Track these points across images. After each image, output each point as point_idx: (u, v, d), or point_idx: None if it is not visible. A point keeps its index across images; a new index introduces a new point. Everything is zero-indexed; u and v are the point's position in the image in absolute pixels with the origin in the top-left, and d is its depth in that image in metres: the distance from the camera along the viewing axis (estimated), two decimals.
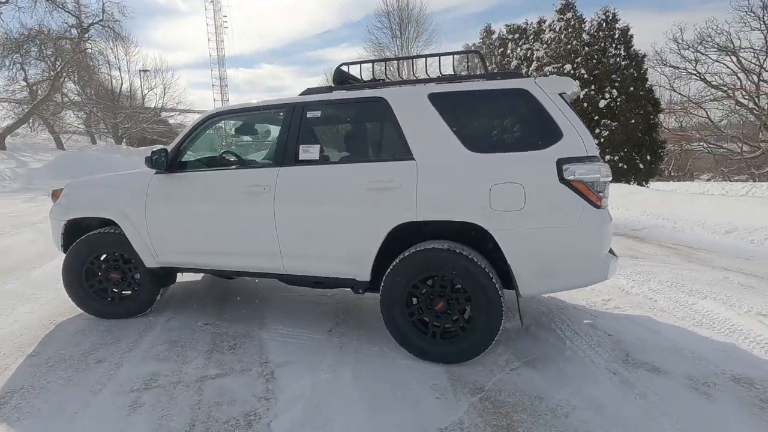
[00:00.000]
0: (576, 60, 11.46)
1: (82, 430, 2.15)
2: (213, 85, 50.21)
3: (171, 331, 3.26)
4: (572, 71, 11.23)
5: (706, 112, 20.94)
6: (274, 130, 4.21)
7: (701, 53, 19.23)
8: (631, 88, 11.68)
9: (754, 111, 19.39)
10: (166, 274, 3.46)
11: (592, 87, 11.83)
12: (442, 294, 2.66)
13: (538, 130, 2.51)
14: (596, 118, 11.98)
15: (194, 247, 3.19)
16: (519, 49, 14.00)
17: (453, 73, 3.06)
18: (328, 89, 3.09)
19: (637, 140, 12.01)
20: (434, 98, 2.71)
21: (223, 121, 3.42)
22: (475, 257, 2.56)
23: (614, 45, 11.60)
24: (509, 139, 2.56)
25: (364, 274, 2.82)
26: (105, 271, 3.47)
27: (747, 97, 19.37)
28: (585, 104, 11.85)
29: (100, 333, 3.25)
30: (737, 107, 19.39)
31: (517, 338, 3.03)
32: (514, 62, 13.23)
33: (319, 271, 2.95)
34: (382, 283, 2.72)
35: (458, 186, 2.55)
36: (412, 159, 2.67)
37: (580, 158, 2.41)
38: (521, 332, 3.12)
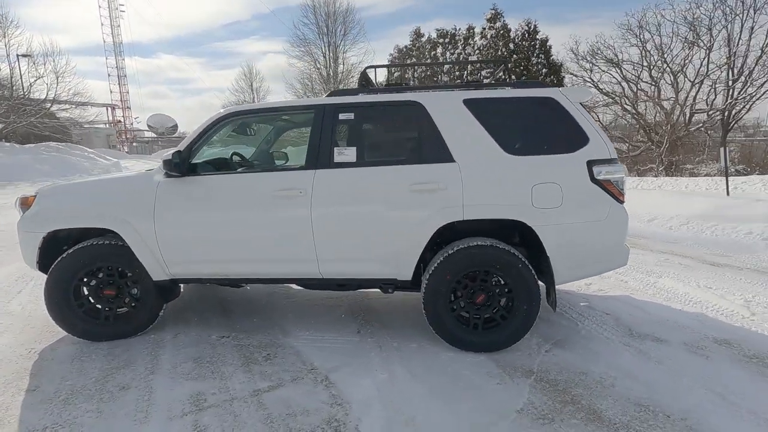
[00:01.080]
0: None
1: None
2: (109, 75, 45.27)
3: (187, 348, 3.02)
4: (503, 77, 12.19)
5: (597, 116, 23.96)
6: (267, 130, 4.06)
7: (593, 64, 21.92)
8: None
9: (635, 116, 22.68)
10: (172, 287, 3.19)
11: None
12: (483, 287, 2.84)
13: (567, 135, 2.79)
14: None
15: (215, 256, 2.98)
16: (449, 53, 14.88)
17: (477, 80, 3.23)
18: (355, 91, 3.09)
19: None
20: (470, 104, 2.87)
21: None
22: (516, 252, 2.78)
23: (536, 54, 12.81)
24: (542, 143, 2.80)
25: (406, 273, 2.89)
26: (96, 288, 3.09)
27: (628, 103, 22.61)
28: None
29: (102, 357, 2.90)
30: (623, 112, 22.44)
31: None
32: (447, 66, 14.10)
33: (357, 273, 2.95)
34: (426, 281, 2.82)
35: (503, 186, 2.75)
36: (453, 161, 2.80)
37: (606, 160, 2.75)
38: None
